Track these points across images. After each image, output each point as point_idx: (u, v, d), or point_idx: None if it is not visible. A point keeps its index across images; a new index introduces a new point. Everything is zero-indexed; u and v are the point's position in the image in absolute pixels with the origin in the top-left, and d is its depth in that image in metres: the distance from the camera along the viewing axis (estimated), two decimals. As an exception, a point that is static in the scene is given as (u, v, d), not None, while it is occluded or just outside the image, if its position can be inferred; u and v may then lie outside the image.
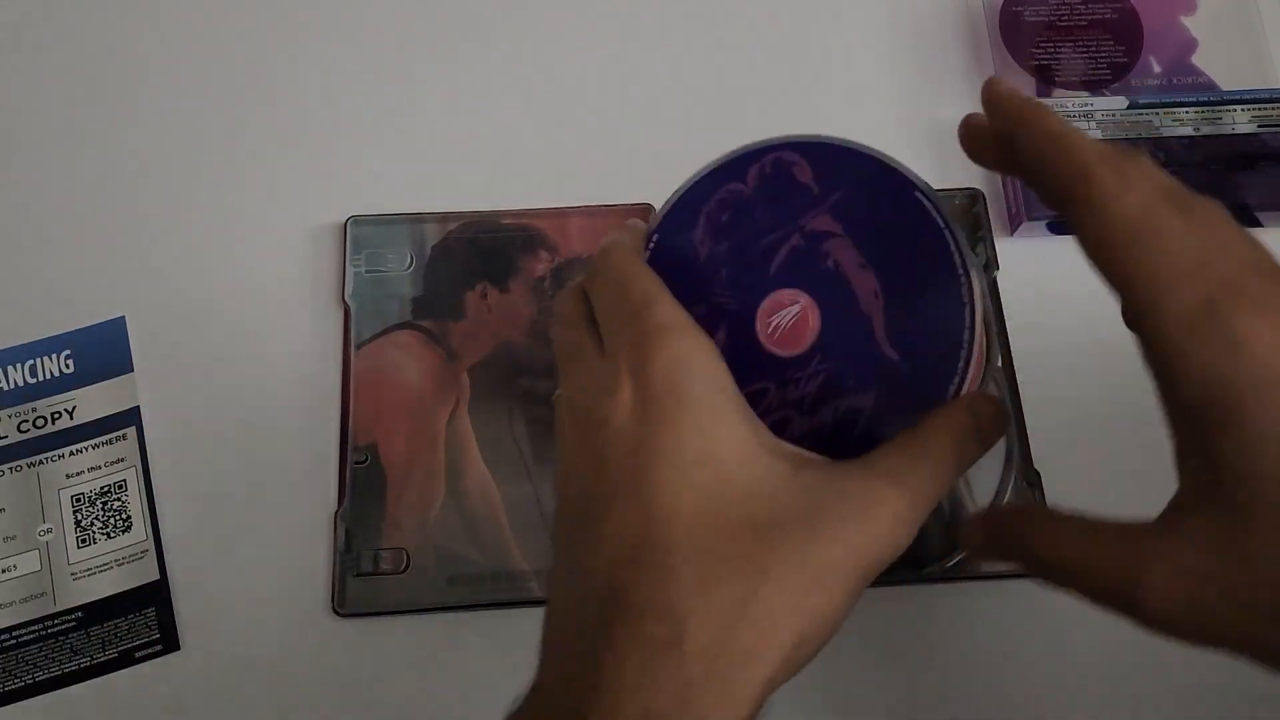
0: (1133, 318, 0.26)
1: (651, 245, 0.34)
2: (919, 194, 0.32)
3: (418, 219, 0.47)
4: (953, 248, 0.32)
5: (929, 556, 0.41)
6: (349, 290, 0.46)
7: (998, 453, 0.43)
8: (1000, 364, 0.44)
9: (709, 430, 0.27)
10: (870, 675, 0.41)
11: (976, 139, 0.31)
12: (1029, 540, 0.29)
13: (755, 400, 0.32)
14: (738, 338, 0.33)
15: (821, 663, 0.41)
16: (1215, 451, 0.24)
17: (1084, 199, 0.26)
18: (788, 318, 0.33)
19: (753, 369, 0.32)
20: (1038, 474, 0.42)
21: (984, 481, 0.42)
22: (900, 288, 0.32)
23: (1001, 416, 0.31)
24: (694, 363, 0.28)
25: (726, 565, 0.26)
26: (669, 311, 0.29)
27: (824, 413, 0.32)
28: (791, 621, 0.26)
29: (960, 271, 0.31)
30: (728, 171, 0.35)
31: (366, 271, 0.46)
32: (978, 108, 0.30)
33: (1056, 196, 0.28)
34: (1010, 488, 0.42)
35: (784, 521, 0.26)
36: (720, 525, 0.26)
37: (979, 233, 0.47)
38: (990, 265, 0.46)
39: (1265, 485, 0.24)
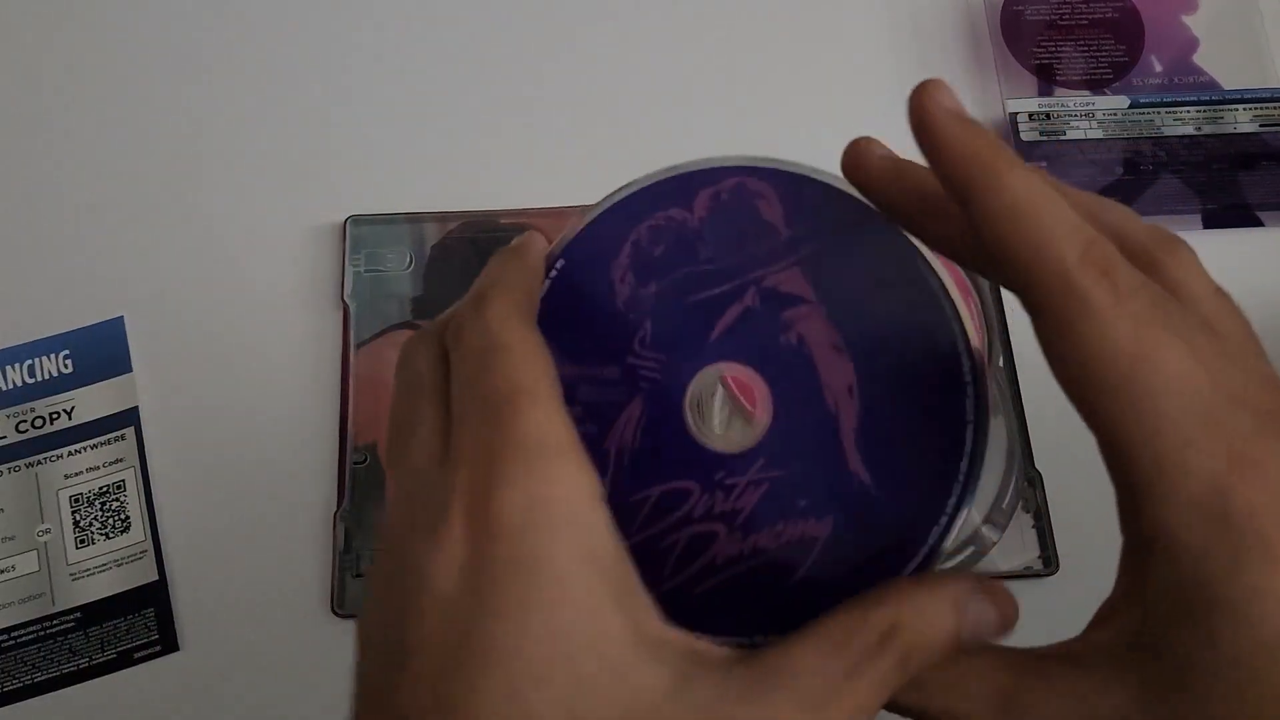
0: (1120, 476, 0.21)
1: (553, 274, 0.25)
2: (925, 269, 0.24)
3: (417, 219, 0.47)
4: (961, 349, 0.24)
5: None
6: (348, 290, 0.45)
7: (999, 454, 0.43)
8: (1001, 364, 0.44)
9: (569, 622, 0.19)
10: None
11: (872, 174, 0.24)
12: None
13: (673, 501, 0.24)
14: (657, 417, 0.24)
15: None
16: (1172, 633, 0.20)
17: (1060, 318, 0.20)
18: (726, 401, 0.25)
19: (674, 461, 0.24)
20: (1038, 474, 0.42)
21: (985, 484, 0.42)
22: (884, 387, 0.24)
23: (1002, 624, 0.23)
24: (560, 512, 0.20)
25: None
26: (541, 420, 0.20)
27: (762, 536, 0.24)
28: None
29: (967, 379, 0.24)
30: (670, 191, 0.27)
31: (366, 271, 0.46)
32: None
33: (1019, 293, 0.21)
34: (1011, 489, 0.42)
35: None
36: None
37: None
38: None
39: (1215, 686, 0.19)
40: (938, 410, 0.24)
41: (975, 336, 0.24)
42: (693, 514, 0.24)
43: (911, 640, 0.21)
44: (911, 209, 0.24)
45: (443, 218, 0.47)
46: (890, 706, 0.21)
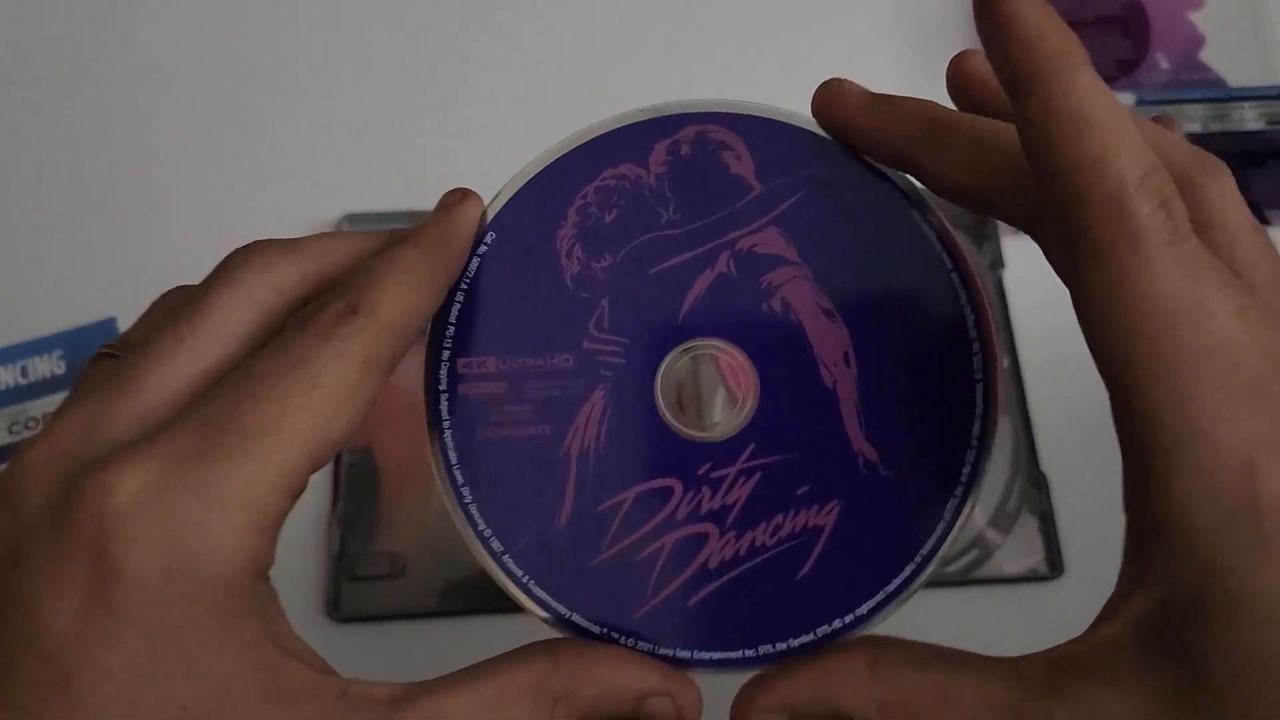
0: (1135, 445, 0.19)
1: (481, 250, 0.22)
2: (916, 214, 0.22)
3: (414, 217, 0.46)
4: (963, 301, 0.22)
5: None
6: (344, 290, 0.45)
7: (1004, 455, 0.42)
8: (1007, 365, 0.43)
9: (180, 694, 0.17)
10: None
11: (851, 110, 0.22)
12: (852, 694, 0.21)
13: (652, 504, 0.21)
14: (624, 409, 0.21)
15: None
16: (1185, 631, 0.18)
17: (1105, 247, 0.18)
18: (709, 379, 0.23)
19: (649, 458, 0.21)
20: (1044, 476, 0.42)
21: (990, 486, 0.42)
22: (883, 351, 0.22)
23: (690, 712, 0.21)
24: (216, 557, 0.18)
25: None
26: (256, 474, 0.18)
27: (758, 532, 0.21)
28: None
29: (972, 335, 0.22)
30: (621, 144, 0.24)
31: (362, 270, 0.46)
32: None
33: (1067, 210, 0.18)
34: (1016, 491, 0.42)
35: None
36: None
37: (985, 231, 0.46)
38: (997, 264, 0.45)
39: (1233, 687, 0.18)
40: (943, 371, 0.22)
41: (976, 285, 0.22)
42: (676, 515, 0.21)
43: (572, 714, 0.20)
44: (901, 142, 0.22)
45: (440, 216, 0.47)
46: None
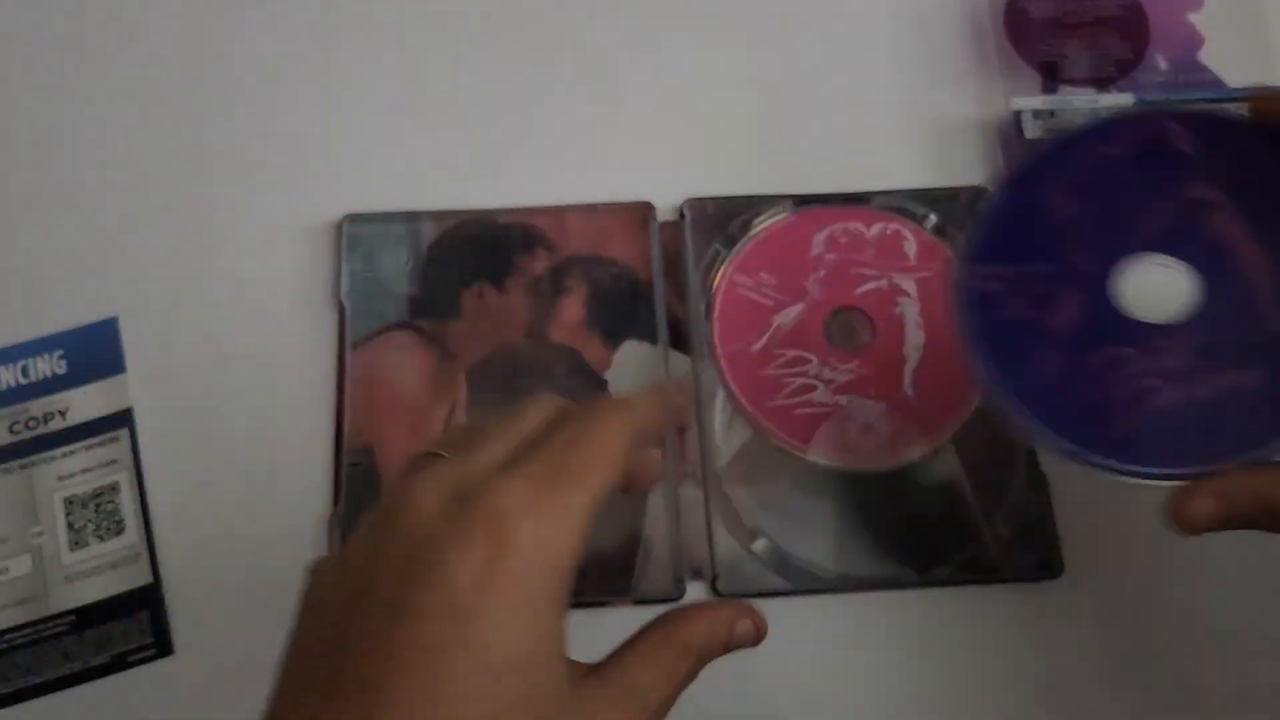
0: None
1: (1001, 198, 0.34)
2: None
3: (414, 217, 0.47)
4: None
5: (936, 559, 0.41)
6: (344, 289, 0.45)
7: (1004, 455, 0.42)
8: None
9: (529, 635, 0.25)
10: (876, 679, 0.40)
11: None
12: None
13: (1110, 367, 0.31)
14: (1093, 299, 0.32)
15: (828, 669, 0.40)
16: None
17: None
18: (1157, 282, 0.32)
19: (1109, 332, 0.31)
20: (1043, 476, 0.42)
21: (989, 486, 0.42)
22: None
23: (757, 638, 0.30)
24: (555, 565, 0.25)
25: None
26: (582, 504, 0.26)
27: (1198, 386, 0.30)
28: None
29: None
30: (1099, 135, 0.34)
31: (362, 270, 0.46)
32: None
33: None
34: (1015, 491, 0.42)
35: None
36: None
37: None
38: None
39: None
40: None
41: None
42: (1131, 372, 0.30)
43: (700, 652, 0.28)
44: None
45: (440, 216, 0.47)
46: None
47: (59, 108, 0.49)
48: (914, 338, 0.43)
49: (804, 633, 0.40)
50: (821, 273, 0.45)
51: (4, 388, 0.44)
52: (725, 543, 0.41)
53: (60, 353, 0.44)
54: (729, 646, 0.29)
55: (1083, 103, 0.48)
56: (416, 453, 0.29)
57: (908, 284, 0.44)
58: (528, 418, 0.29)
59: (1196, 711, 0.40)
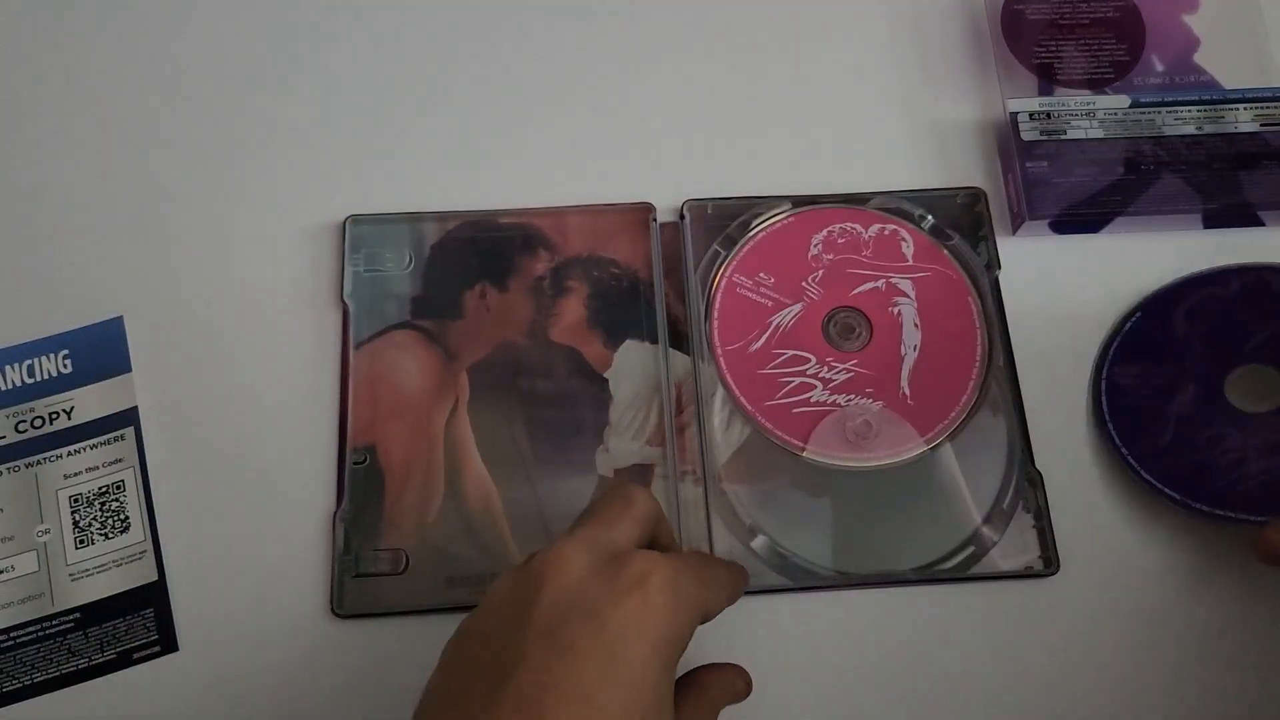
0: None
1: (1135, 317, 0.45)
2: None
3: (416, 218, 0.47)
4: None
5: (933, 556, 0.41)
6: (348, 289, 0.45)
7: (999, 453, 0.43)
8: (1001, 363, 0.44)
9: (662, 688, 0.29)
10: (875, 675, 0.40)
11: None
12: None
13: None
14: (1203, 392, 0.43)
15: (826, 665, 0.41)
16: None
17: None
18: (1255, 382, 0.43)
19: (1215, 417, 0.42)
20: (1038, 473, 0.42)
21: (985, 484, 0.42)
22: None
23: (747, 693, 0.35)
24: (671, 636, 0.30)
25: None
26: (681, 590, 0.31)
27: (840, 397, 0.43)
28: None
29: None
30: (1211, 279, 0.45)
31: (365, 271, 0.46)
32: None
33: None
34: (1011, 488, 0.42)
35: None
36: None
37: (980, 232, 0.47)
38: (992, 264, 0.46)
39: None
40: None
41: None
42: (1231, 447, 0.42)
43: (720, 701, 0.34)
44: None
45: (442, 217, 0.47)
46: None
47: (63, 109, 0.50)
48: (911, 337, 0.44)
49: (802, 629, 0.41)
50: (820, 273, 0.45)
51: (10, 387, 0.44)
52: (724, 540, 0.42)
53: (66, 352, 0.45)
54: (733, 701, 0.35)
55: (1079, 104, 0.48)
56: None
57: (905, 284, 0.45)
58: (640, 505, 0.34)
59: (1190, 706, 0.40)
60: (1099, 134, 0.48)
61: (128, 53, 0.51)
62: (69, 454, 0.43)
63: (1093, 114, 0.48)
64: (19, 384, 0.44)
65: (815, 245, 0.46)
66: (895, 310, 0.45)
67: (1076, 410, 0.44)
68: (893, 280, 0.45)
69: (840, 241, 0.46)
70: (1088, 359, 0.45)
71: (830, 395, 0.43)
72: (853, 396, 0.43)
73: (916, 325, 0.44)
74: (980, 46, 0.51)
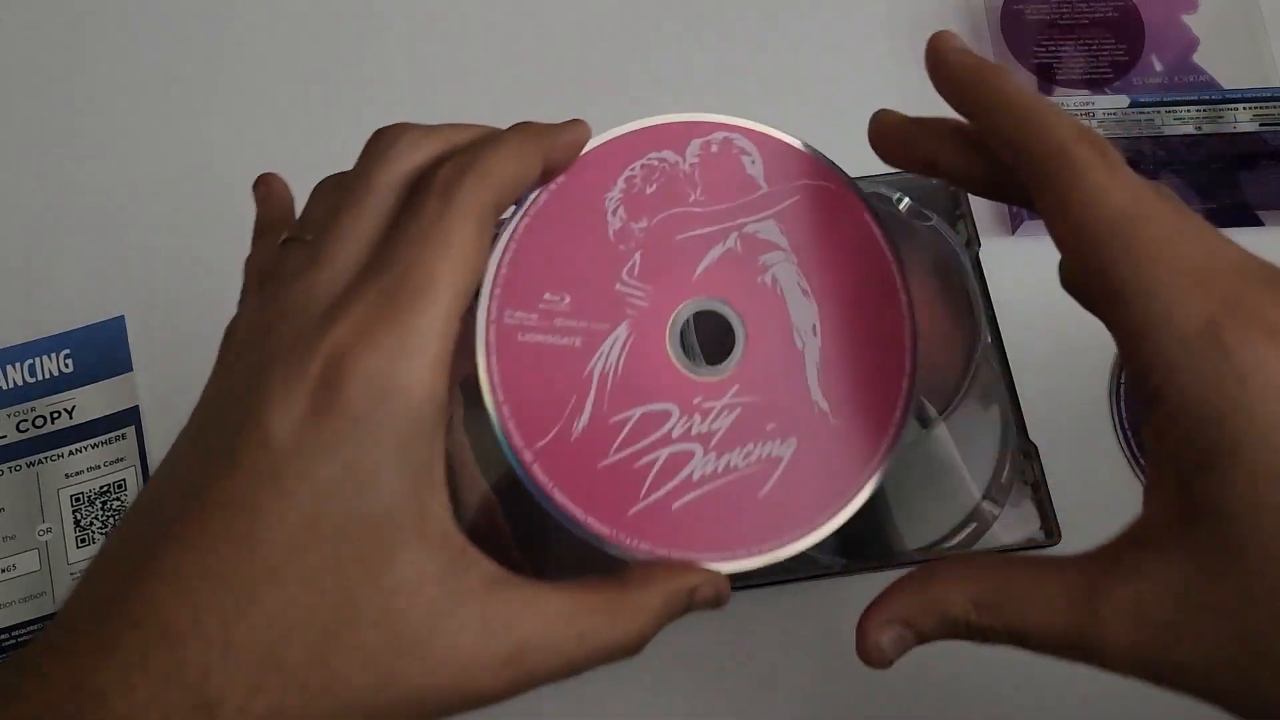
0: (1119, 327, 0.23)
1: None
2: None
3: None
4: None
5: (936, 536, 0.41)
6: (348, 289, 0.45)
7: (993, 430, 0.42)
8: (990, 340, 0.43)
9: (365, 505, 0.22)
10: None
11: (891, 138, 0.28)
12: (950, 599, 0.24)
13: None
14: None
15: (831, 653, 0.41)
16: (1201, 488, 0.21)
17: (1064, 185, 0.23)
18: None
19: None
20: (1033, 445, 0.42)
21: (981, 460, 0.42)
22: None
23: (716, 601, 0.26)
24: (399, 407, 0.22)
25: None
26: (426, 325, 0.23)
27: (733, 455, 0.26)
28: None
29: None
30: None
31: (365, 270, 0.45)
32: None
33: (1026, 180, 0.24)
34: (1008, 463, 0.41)
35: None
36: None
37: (958, 210, 0.44)
38: (972, 241, 0.44)
39: (1255, 530, 0.21)
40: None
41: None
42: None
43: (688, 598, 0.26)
44: (930, 153, 0.28)
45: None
46: (973, 634, 0.24)
47: (65, 107, 0.50)
48: (803, 315, 0.28)
49: (806, 618, 0.41)
50: (636, 258, 0.28)
51: (11, 386, 0.44)
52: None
53: (67, 351, 0.45)
54: (690, 605, 0.26)
55: (1078, 104, 0.48)
56: (271, 239, 0.27)
57: (767, 228, 0.28)
58: (379, 193, 0.26)
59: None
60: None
61: (127, 52, 0.51)
62: (70, 453, 0.43)
63: (1092, 114, 0.48)
64: (20, 383, 0.44)
65: (613, 211, 0.28)
66: (767, 278, 0.28)
67: (1066, 378, 0.44)
68: (747, 229, 0.29)
69: (650, 190, 0.29)
70: (1088, 358, 0.45)
71: (718, 459, 0.27)
72: (750, 448, 0.27)
73: (806, 292, 0.28)
74: (979, 46, 0.51)
